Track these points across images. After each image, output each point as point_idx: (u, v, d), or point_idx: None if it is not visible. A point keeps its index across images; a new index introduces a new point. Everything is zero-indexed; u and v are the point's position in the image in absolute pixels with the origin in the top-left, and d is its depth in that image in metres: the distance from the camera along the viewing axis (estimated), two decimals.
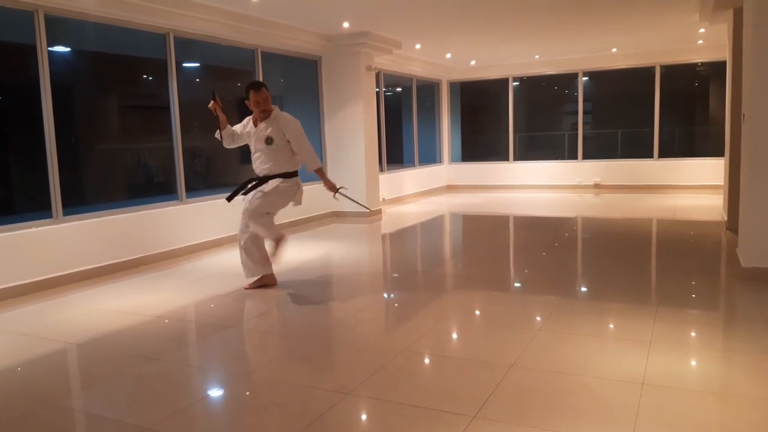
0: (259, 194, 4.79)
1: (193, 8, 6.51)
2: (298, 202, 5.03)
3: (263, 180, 4.87)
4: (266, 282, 5.11)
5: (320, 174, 4.99)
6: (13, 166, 6.07)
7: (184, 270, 6.00)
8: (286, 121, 4.85)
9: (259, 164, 4.90)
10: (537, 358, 3.28)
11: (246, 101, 4.90)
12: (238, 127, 5.09)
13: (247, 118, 5.05)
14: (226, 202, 4.98)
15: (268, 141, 4.80)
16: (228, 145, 5.13)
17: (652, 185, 11.78)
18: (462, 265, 6.09)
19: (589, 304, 4.48)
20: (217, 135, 5.07)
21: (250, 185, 4.90)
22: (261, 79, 8.07)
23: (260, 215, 4.79)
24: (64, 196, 5.57)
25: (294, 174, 4.93)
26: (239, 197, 4.95)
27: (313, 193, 9.10)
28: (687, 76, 12.08)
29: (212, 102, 4.95)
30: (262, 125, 4.87)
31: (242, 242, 4.97)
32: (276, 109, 4.91)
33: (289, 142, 4.84)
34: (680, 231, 7.51)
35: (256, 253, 4.99)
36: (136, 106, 7.70)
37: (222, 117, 5.00)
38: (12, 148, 5.98)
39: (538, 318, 4.03)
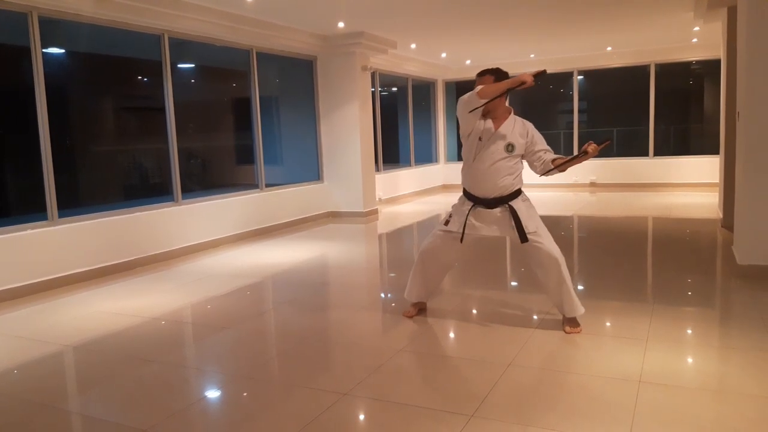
0: (536, 233, 3.68)
1: (188, 9, 6.49)
2: None
3: (491, 203, 3.74)
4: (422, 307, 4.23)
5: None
6: (8, 168, 6.05)
7: (180, 271, 5.99)
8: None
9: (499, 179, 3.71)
10: (534, 357, 3.28)
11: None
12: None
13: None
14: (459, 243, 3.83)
15: (509, 148, 3.70)
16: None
17: (648, 183, 11.80)
18: (458, 265, 6.08)
19: (585, 302, 4.46)
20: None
21: (473, 210, 3.78)
22: (256, 80, 8.05)
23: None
24: (59, 198, 5.55)
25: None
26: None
27: (309, 193, 9.13)
28: (682, 74, 12.10)
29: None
30: (506, 125, 3.72)
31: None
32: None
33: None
34: (676, 229, 7.53)
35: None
36: (131, 107, 7.69)
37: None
38: (6, 150, 5.96)
39: (535, 317, 4.03)
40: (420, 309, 4.19)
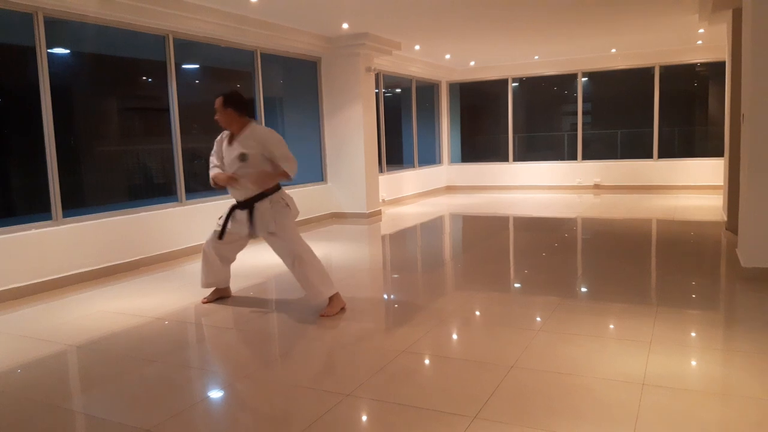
0: (273, 232, 4.22)
1: (193, 10, 6.51)
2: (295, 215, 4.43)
3: (243, 205, 4.28)
4: (222, 294, 4.79)
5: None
6: (13, 168, 6.07)
7: (183, 271, 6.00)
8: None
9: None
10: (537, 359, 3.28)
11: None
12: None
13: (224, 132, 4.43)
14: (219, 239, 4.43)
15: (242, 158, 4.17)
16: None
17: (652, 186, 11.78)
18: (462, 266, 6.09)
19: (589, 304, 4.47)
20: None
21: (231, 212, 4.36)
22: (261, 80, 8.06)
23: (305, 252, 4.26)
24: (64, 198, 5.57)
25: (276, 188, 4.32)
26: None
27: (312, 193, 9.13)
28: (686, 76, 12.08)
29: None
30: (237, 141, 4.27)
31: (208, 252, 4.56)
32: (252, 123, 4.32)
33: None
34: (680, 231, 7.51)
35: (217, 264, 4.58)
36: (135, 107, 7.71)
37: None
38: (11, 150, 5.98)
39: (539, 318, 4.02)
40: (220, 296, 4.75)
